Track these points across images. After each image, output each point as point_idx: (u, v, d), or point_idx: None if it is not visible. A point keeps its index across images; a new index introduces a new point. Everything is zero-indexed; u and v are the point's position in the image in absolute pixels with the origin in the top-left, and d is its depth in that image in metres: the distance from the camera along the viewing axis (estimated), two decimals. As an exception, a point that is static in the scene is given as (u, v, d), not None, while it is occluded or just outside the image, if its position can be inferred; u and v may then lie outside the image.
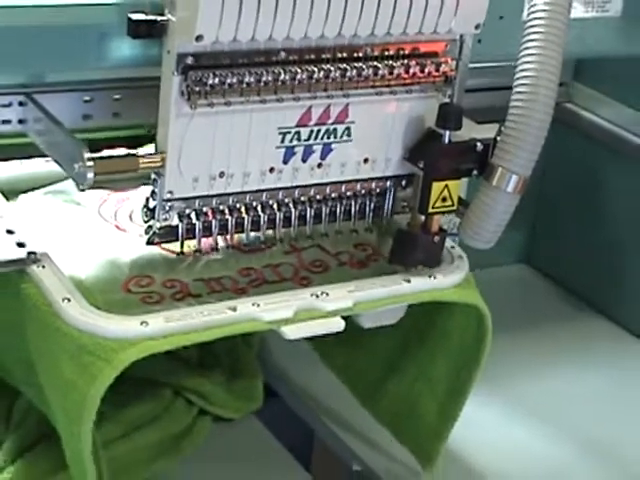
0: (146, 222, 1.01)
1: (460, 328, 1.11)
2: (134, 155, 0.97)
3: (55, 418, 0.97)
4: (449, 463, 1.18)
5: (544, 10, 1.02)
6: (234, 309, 0.96)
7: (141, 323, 0.92)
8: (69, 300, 0.93)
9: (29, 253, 0.96)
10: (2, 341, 1.05)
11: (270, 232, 1.06)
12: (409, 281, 1.05)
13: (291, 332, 0.97)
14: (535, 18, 1.02)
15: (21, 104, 1.03)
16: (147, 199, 1.00)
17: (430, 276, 1.06)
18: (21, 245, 0.97)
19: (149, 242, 1.02)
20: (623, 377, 1.38)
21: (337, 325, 0.99)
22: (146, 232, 1.02)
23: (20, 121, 1.04)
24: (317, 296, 1.00)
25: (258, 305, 0.97)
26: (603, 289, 1.48)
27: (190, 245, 1.03)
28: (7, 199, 1.07)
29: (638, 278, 1.41)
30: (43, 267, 0.96)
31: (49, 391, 0.96)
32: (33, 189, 1.11)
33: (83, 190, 1.03)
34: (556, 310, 1.50)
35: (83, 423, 0.91)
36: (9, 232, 0.98)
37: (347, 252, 1.11)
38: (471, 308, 1.07)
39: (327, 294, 1.00)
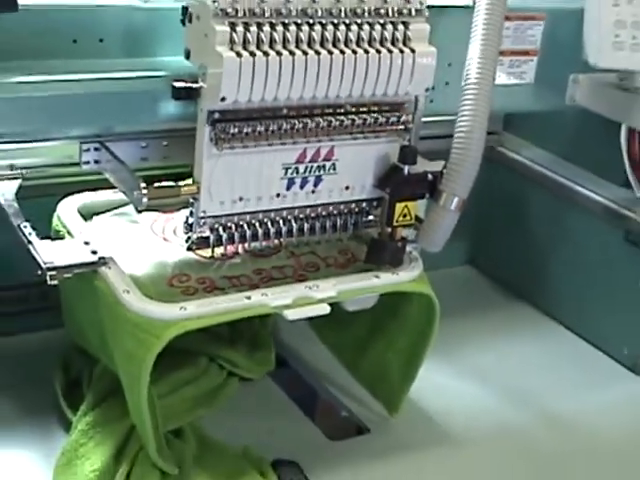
0: (186, 234, 1.01)
1: (416, 312, 1.11)
2: (177, 185, 0.98)
3: (121, 378, 0.98)
4: (413, 413, 1.18)
5: (476, 78, 1.02)
6: (249, 298, 0.97)
7: (180, 308, 0.94)
8: (128, 292, 0.95)
9: (99, 258, 0.98)
10: (85, 322, 1.06)
11: (276, 241, 1.05)
12: (378, 277, 1.04)
13: (291, 314, 0.98)
14: (469, 84, 1.02)
15: (96, 149, 1.04)
16: (187, 217, 1.01)
17: (393, 273, 1.06)
18: (94, 252, 0.98)
19: (189, 248, 1.02)
20: (544, 349, 1.35)
21: (324, 309, 0.99)
22: (186, 241, 1.02)
23: (95, 161, 1.04)
24: (310, 288, 1.00)
25: (266, 295, 0.98)
26: (529, 284, 1.46)
27: (217, 253, 1.04)
28: (85, 219, 1.08)
29: (554, 277, 1.40)
30: (109, 268, 0.97)
31: (117, 359, 0.97)
32: (104, 212, 1.12)
33: (140, 212, 1.04)
34: (494, 300, 1.47)
35: (141, 382, 0.92)
36: (86, 243, 1.00)
37: (333, 256, 1.10)
38: (424, 297, 1.07)
39: (317, 286, 1.01)
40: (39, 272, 0.95)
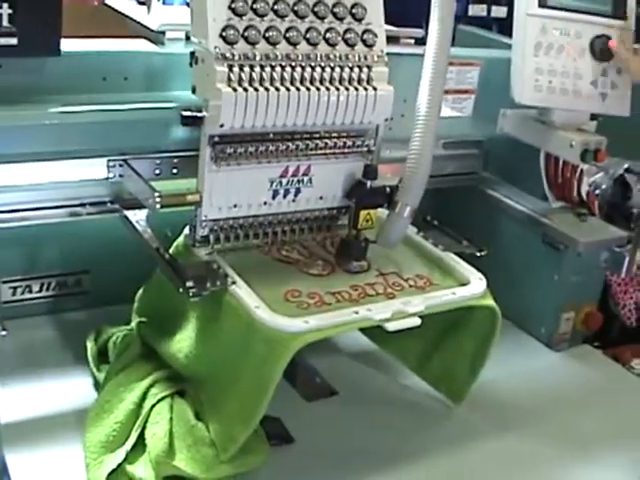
0: (190, 232, 1.01)
1: (481, 320, 1.07)
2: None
3: (235, 376, 0.94)
4: (369, 378, 1.18)
5: (425, 111, 1.02)
6: (357, 312, 0.95)
7: (304, 322, 0.91)
8: (258, 307, 0.92)
9: (229, 278, 0.95)
10: (201, 328, 1.00)
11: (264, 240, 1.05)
12: (455, 293, 1.02)
13: (391, 326, 0.96)
14: (420, 116, 1.02)
15: (121, 165, 1.04)
16: (191, 220, 1.01)
17: (466, 290, 1.03)
18: (225, 274, 0.96)
19: (192, 245, 1.01)
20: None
21: (415, 322, 0.97)
22: (191, 240, 1.01)
23: (120, 175, 1.05)
24: (404, 304, 0.98)
25: (370, 310, 0.96)
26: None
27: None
28: None
29: (487, 270, 1.35)
30: (238, 287, 0.95)
31: (243, 364, 0.93)
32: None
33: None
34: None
35: (271, 383, 0.90)
36: (216, 264, 0.97)
37: (412, 278, 1.05)
38: (489, 308, 1.05)
39: (409, 302, 0.99)
40: (180, 290, 0.92)
